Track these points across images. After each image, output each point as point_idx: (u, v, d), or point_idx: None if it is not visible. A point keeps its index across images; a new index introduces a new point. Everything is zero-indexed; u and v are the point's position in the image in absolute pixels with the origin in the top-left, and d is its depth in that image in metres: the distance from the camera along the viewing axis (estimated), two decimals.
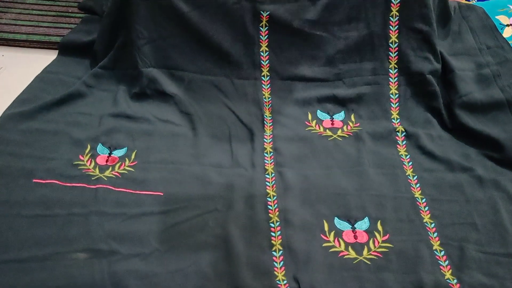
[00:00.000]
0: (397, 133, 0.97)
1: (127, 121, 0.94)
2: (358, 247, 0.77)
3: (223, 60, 1.00)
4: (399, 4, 0.97)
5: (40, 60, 1.04)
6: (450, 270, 0.74)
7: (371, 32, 1.00)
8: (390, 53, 1.00)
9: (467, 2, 1.28)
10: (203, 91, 1.00)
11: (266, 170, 0.88)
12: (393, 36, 1.00)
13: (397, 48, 1.00)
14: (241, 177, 0.86)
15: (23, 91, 0.97)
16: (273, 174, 0.87)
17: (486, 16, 1.12)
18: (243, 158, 0.90)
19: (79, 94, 0.97)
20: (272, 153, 0.91)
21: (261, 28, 0.99)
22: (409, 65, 1.00)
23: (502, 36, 1.08)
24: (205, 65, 1.00)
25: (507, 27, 1.13)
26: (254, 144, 0.93)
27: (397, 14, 0.98)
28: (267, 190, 0.84)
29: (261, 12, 0.98)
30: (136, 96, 0.98)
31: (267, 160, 0.90)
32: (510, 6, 1.16)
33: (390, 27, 0.99)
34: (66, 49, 1.07)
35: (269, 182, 0.86)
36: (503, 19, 1.14)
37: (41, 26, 1.18)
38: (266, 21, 0.98)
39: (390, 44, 1.00)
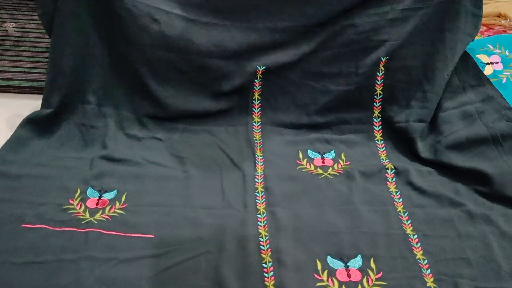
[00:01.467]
0: (387, 170, 0.99)
1: (117, 164, 0.94)
2: (352, 286, 0.77)
3: (217, 111, 1.04)
4: (386, 60, 1.02)
5: (32, 105, 1.05)
6: None
7: (359, 86, 1.04)
8: (374, 104, 1.05)
9: None
10: (197, 137, 1.03)
11: (258, 210, 0.88)
12: (378, 89, 1.04)
13: (381, 99, 1.04)
14: (232, 218, 0.86)
15: (11, 136, 0.97)
16: (264, 214, 0.87)
17: (468, 55, 1.15)
18: (235, 198, 0.90)
19: (67, 135, 0.98)
20: (263, 193, 0.92)
21: (255, 80, 1.03)
22: (390, 113, 1.04)
23: (484, 74, 1.12)
24: (197, 120, 1.04)
25: (487, 65, 1.16)
26: (246, 184, 0.93)
27: (383, 69, 1.03)
28: (259, 230, 0.84)
29: (258, 67, 1.02)
30: (127, 136, 1.00)
31: (259, 200, 0.91)
32: (489, 45, 1.20)
33: (376, 81, 1.04)
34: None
35: (261, 222, 0.86)
36: (483, 58, 1.18)
37: (33, 73, 1.21)
38: (261, 74, 1.01)
39: (375, 96, 1.04)
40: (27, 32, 1.39)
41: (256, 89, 1.04)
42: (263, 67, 1.01)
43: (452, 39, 1.03)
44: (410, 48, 1.04)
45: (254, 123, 1.05)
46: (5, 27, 1.35)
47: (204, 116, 1.03)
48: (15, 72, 1.20)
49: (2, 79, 1.17)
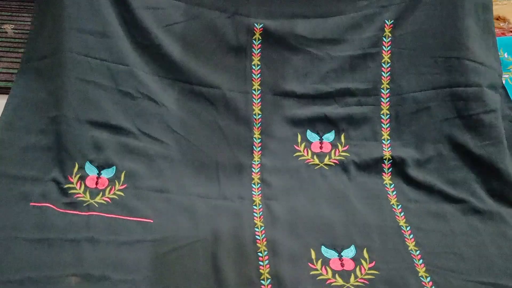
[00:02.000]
0: (384, 160, 0.98)
1: (113, 133, 0.92)
2: (345, 275, 0.79)
3: (214, 71, 0.99)
4: (392, 25, 0.99)
5: None
6: None
7: (364, 53, 1.00)
8: (383, 73, 1.00)
9: None
10: (195, 106, 0.98)
11: (254, 201, 0.90)
12: (386, 56, 1.00)
13: (389, 68, 1.00)
14: (228, 208, 0.88)
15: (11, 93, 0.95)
16: (260, 206, 0.89)
17: None
18: (231, 189, 0.91)
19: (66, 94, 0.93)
20: (259, 185, 0.93)
21: (254, 41, 0.99)
22: (400, 84, 0.99)
23: None
24: (195, 75, 0.98)
25: None
26: (242, 175, 0.94)
27: (390, 35, 1.00)
28: (255, 221, 0.86)
29: (255, 24, 0.98)
30: (121, 94, 0.95)
31: (255, 192, 0.92)
32: None
33: (383, 47, 0.99)
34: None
35: (256, 213, 0.87)
36: None
37: None
38: (259, 34, 0.99)
39: (382, 64, 1.00)
40: (27, 34, 1.29)
41: (256, 52, 1.01)
42: (261, 25, 0.98)
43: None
44: (421, 10, 1.00)
45: (253, 91, 1.00)
46: (4, 29, 1.36)
47: (201, 73, 0.99)
48: (14, 74, 1.13)
49: (2, 80, 1.15)
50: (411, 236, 0.85)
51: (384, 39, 0.99)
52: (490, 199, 0.91)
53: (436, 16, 0.99)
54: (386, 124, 1.00)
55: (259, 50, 0.99)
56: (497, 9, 1.44)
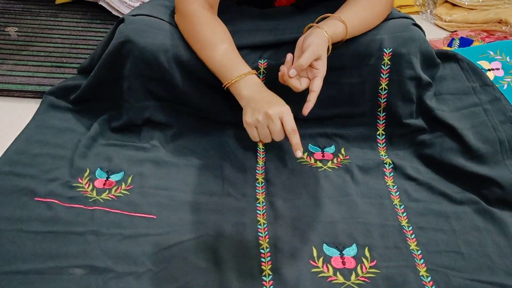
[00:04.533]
0: (385, 165, 1.01)
1: (125, 148, 1.00)
2: (346, 273, 0.79)
3: (220, 104, 1.04)
4: (391, 53, 1.01)
5: (34, 109, 1.10)
6: None
7: (363, 80, 1.03)
8: (380, 99, 1.03)
9: (448, 48, 1.35)
10: (199, 125, 1.05)
11: (257, 199, 0.91)
12: (383, 84, 1.02)
13: (386, 95, 1.03)
14: (231, 205, 0.90)
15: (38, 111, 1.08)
16: (263, 203, 0.90)
17: (471, 61, 1.19)
18: (234, 187, 0.94)
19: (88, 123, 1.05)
20: (263, 183, 0.95)
21: (259, 75, 1.03)
22: (397, 110, 1.03)
23: (489, 77, 1.15)
24: (203, 102, 1.03)
25: (488, 72, 1.20)
26: (246, 174, 0.97)
27: (389, 63, 1.02)
28: (258, 218, 0.87)
29: (259, 61, 1.02)
30: (119, 130, 1.04)
31: (259, 190, 0.94)
32: (490, 51, 1.23)
33: (381, 74, 1.02)
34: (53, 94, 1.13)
35: (259, 211, 0.89)
36: (484, 64, 1.22)
37: (36, 77, 1.23)
38: (264, 69, 1.02)
39: (380, 90, 1.03)
40: (30, 36, 1.42)
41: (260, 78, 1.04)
42: (265, 60, 1.01)
43: None
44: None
45: None
46: (8, 31, 1.40)
47: (208, 108, 1.05)
48: (17, 76, 1.22)
49: (5, 83, 1.18)
50: (413, 236, 0.86)
51: (383, 66, 1.01)
52: (490, 202, 0.92)
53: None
54: (383, 144, 1.05)
55: (263, 83, 0.99)
56: (499, 13, 1.46)
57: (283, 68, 0.85)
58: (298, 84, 0.87)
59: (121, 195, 0.90)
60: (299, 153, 0.81)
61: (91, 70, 1.05)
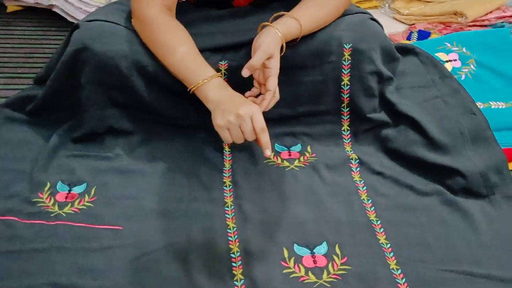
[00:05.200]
0: (351, 160, 1.02)
1: (87, 158, 0.98)
2: (317, 271, 0.80)
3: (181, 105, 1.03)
4: (350, 49, 1.02)
5: None
6: (408, 287, 0.77)
7: (325, 77, 1.03)
8: (343, 94, 1.04)
9: (407, 42, 1.38)
10: (164, 132, 1.04)
11: (226, 203, 0.91)
12: (345, 79, 1.03)
13: (348, 91, 1.03)
14: (200, 210, 0.89)
15: None
16: (232, 207, 0.90)
17: (429, 54, 1.21)
18: (202, 192, 0.93)
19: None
20: (231, 186, 0.95)
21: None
22: (360, 105, 1.04)
23: (447, 69, 1.18)
24: (168, 108, 1.02)
25: (446, 63, 1.22)
26: (213, 178, 0.96)
27: (349, 58, 1.02)
28: (227, 222, 0.87)
29: (220, 62, 1.02)
30: (80, 140, 1.02)
31: (226, 193, 0.93)
32: (447, 43, 1.26)
33: (343, 70, 1.02)
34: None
35: (228, 215, 0.88)
36: (442, 56, 1.24)
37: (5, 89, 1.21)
38: (225, 70, 1.02)
39: (342, 86, 1.03)
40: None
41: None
42: (226, 61, 1.01)
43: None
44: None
45: None
46: None
47: (173, 113, 1.04)
48: None
49: None
50: (382, 230, 0.87)
51: (344, 62, 1.01)
52: (455, 192, 0.94)
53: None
54: (348, 139, 1.06)
55: (225, 77, 1.01)
56: (455, 5, 1.50)
57: (244, 73, 0.86)
58: (266, 101, 0.89)
59: (85, 207, 0.88)
60: (268, 152, 0.81)
61: (48, 80, 1.02)
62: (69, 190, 0.91)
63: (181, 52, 0.91)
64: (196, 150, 1.01)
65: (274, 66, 0.87)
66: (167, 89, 0.99)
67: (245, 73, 0.85)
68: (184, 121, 1.03)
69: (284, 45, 0.92)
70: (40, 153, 0.96)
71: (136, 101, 0.99)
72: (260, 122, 0.82)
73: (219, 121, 0.84)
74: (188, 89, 0.90)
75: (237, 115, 0.82)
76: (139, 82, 0.97)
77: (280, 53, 0.90)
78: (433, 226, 0.87)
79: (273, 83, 0.86)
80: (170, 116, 1.02)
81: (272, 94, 0.86)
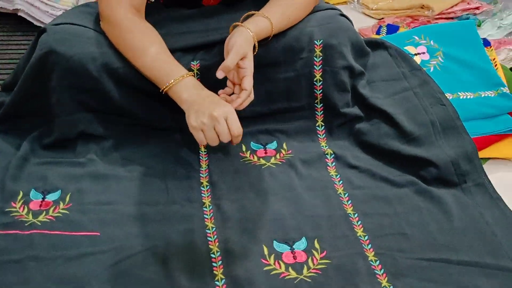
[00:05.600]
0: (327, 156, 1.03)
1: (60, 165, 0.96)
2: (298, 267, 0.80)
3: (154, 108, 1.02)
4: (321, 45, 1.03)
5: None
6: (386, 278, 0.78)
7: (298, 73, 1.03)
8: (316, 91, 1.05)
9: (376, 36, 1.40)
10: (139, 134, 1.03)
11: (204, 203, 0.90)
12: (318, 75, 1.04)
13: (321, 86, 1.04)
14: (178, 212, 0.88)
15: None
16: (210, 207, 0.89)
17: (398, 47, 1.23)
18: (179, 194, 0.92)
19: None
20: (208, 187, 0.94)
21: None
22: (333, 100, 1.05)
23: (416, 62, 1.20)
24: (141, 110, 1.01)
25: (415, 56, 1.24)
26: (190, 179, 0.96)
27: (321, 54, 1.03)
28: (206, 223, 0.86)
29: (192, 62, 1.01)
30: (51, 146, 0.99)
31: (204, 194, 0.93)
32: (415, 36, 1.28)
33: (315, 66, 1.03)
34: None
35: (207, 215, 0.88)
36: (410, 49, 1.25)
37: None
38: (197, 70, 1.01)
39: (315, 82, 1.04)
40: None
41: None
42: (197, 61, 1.00)
43: None
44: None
45: None
46: None
47: (147, 116, 1.02)
48: None
49: None
50: (359, 222, 0.88)
51: (315, 58, 1.02)
52: (428, 182, 0.96)
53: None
54: (323, 135, 1.06)
55: (198, 77, 1.00)
56: None
57: (219, 75, 0.87)
58: (241, 99, 0.89)
59: (60, 215, 0.86)
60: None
61: (15, 86, 1.00)
62: (43, 198, 0.89)
63: (151, 53, 0.91)
64: (172, 151, 1.00)
65: (249, 66, 0.87)
66: (140, 91, 0.98)
67: (219, 74, 0.85)
68: (158, 123, 1.02)
69: (257, 44, 0.92)
70: (10, 161, 0.94)
71: (108, 105, 0.97)
72: (236, 125, 0.83)
73: (193, 122, 0.84)
74: (161, 90, 0.90)
75: (211, 116, 0.81)
76: (109, 85, 0.96)
77: (253, 52, 0.91)
78: (408, 216, 0.88)
79: (248, 83, 0.87)
80: (144, 119, 1.01)
81: (248, 94, 0.87)
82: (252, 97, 0.90)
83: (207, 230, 0.85)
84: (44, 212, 0.87)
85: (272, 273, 0.79)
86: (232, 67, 0.85)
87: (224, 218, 0.87)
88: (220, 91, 0.89)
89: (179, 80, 0.87)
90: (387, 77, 1.13)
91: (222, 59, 0.89)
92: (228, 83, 0.91)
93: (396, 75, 1.14)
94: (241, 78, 0.87)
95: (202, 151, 1.02)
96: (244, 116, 0.93)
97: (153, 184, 0.94)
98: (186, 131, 0.88)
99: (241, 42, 0.87)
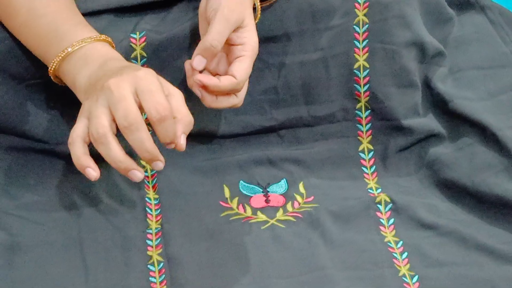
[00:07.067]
0: (378, 205, 0.84)
1: None
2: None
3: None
4: (367, 4, 0.88)
5: None
6: None
7: (324, 55, 0.89)
8: (357, 86, 0.89)
9: None
10: (35, 166, 0.84)
11: None
12: (361, 59, 0.87)
13: (368, 79, 0.89)
14: None
15: None
16: None
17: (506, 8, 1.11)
18: (108, 279, 0.72)
19: None
20: (162, 265, 0.75)
21: (133, 61, 0.83)
22: (389, 103, 0.90)
23: None
24: (23, 118, 0.84)
25: None
26: (129, 253, 0.76)
27: (366, 21, 0.88)
28: None
29: (132, 35, 0.82)
30: None
31: (154, 279, 0.72)
32: None
33: (356, 43, 0.88)
34: None
35: None
36: None
37: None
38: (141, 48, 0.83)
39: (356, 71, 0.88)
40: None
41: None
42: (143, 33, 0.83)
43: None
44: None
45: None
46: None
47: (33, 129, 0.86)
48: None
49: None
50: None
51: (357, 27, 0.87)
52: None
53: None
54: (371, 167, 0.89)
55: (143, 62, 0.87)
56: None
57: (187, 65, 0.76)
58: (214, 82, 0.71)
59: None
60: (159, 164, 0.63)
61: None
62: None
63: (38, 6, 0.78)
64: (90, 197, 0.81)
65: (248, 42, 0.74)
66: (15, 80, 0.84)
67: (197, 63, 0.71)
68: (55, 143, 0.84)
69: (258, 4, 0.81)
70: None
71: None
72: (163, 103, 0.60)
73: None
74: (48, 71, 0.76)
75: (103, 88, 0.63)
76: None
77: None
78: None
79: (242, 69, 0.71)
80: (30, 134, 0.84)
81: (234, 84, 0.71)
82: (239, 99, 0.75)
83: None
84: None
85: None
86: (220, 45, 0.71)
87: None
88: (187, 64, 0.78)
89: (77, 47, 0.71)
90: (484, 61, 0.97)
91: (193, 30, 0.81)
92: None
93: (501, 58, 0.98)
94: (231, 62, 0.77)
95: (150, 199, 0.82)
96: (227, 132, 0.87)
97: (60, 262, 0.73)
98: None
99: (230, 4, 0.73)
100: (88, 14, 0.84)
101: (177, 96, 0.66)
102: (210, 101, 0.74)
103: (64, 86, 0.78)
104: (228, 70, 0.74)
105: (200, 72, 0.74)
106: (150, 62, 0.85)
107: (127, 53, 0.85)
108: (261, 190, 0.82)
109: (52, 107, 0.87)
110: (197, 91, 0.74)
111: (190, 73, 0.75)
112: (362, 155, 0.92)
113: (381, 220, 0.84)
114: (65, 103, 0.86)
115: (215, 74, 0.79)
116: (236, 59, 0.74)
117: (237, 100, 0.76)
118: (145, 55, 0.86)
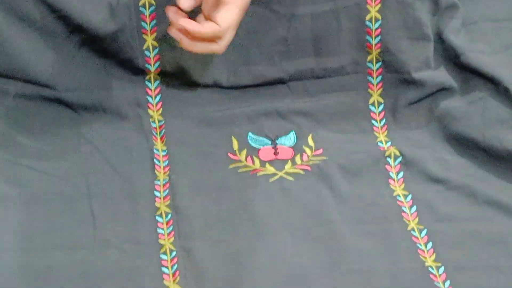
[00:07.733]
0: (388, 159, 0.85)
1: None
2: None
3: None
4: None
5: None
6: None
7: (334, 5, 0.88)
8: (369, 38, 0.89)
9: None
10: (42, 114, 0.85)
11: (162, 246, 0.73)
12: (373, 9, 0.87)
13: (379, 30, 0.89)
14: (115, 264, 0.70)
15: None
16: (174, 253, 0.72)
17: None
18: (117, 229, 0.74)
19: None
20: (170, 216, 0.75)
21: (142, 9, 0.84)
22: (400, 57, 0.90)
23: None
24: (41, 64, 0.83)
25: None
26: (137, 204, 0.78)
27: None
28: (165, 283, 0.68)
29: None
30: None
31: (162, 229, 0.74)
32: None
33: None
34: None
35: (167, 268, 0.69)
36: None
37: None
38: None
39: (368, 22, 0.88)
40: None
41: (148, 27, 0.85)
42: None
43: None
44: None
45: (148, 83, 0.88)
46: None
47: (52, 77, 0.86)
48: None
49: None
50: (447, 283, 0.66)
51: None
52: None
53: None
54: (381, 120, 0.89)
55: (153, 23, 0.85)
56: None
57: (170, 12, 0.73)
58: (196, 27, 0.70)
59: None
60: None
61: None
62: None
63: None
64: (100, 149, 0.82)
65: None
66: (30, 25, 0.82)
67: (184, 1, 0.70)
68: (75, 94, 0.84)
69: None
70: None
71: None
72: None
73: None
74: None
75: None
76: None
77: None
78: None
79: (229, 17, 0.69)
80: (47, 84, 0.84)
81: (221, 33, 0.69)
82: (220, 46, 0.71)
83: None
84: None
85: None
86: None
87: (198, 275, 0.68)
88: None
89: None
90: (501, 13, 0.98)
91: None
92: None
93: None
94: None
95: (158, 150, 0.83)
96: (235, 83, 0.86)
97: (68, 214, 0.75)
98: (135, 107, 0.84)
99: None
100: None
101: None
102: (187, 44, 0.72)
103: (74, 30, 0.82)
104: (213, 17, 0.72)
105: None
106: (158, 10, 0.86)
107: (136, 1, 0.87)
108: (270, 142, 0.84)
109: (62, 52, 0.86)
110: (175, 34, 0.73)
111: (174, 18, 0.73)
112: (372, 108, 0.92)
113: (390, 173, 0.84)
114: (73, 49, 0.85)
115: (208, 18, 0.77)
116: (224, 7, 0.72)
117: (218, 47, 0.74)
118: (153, 2, 0.86)
